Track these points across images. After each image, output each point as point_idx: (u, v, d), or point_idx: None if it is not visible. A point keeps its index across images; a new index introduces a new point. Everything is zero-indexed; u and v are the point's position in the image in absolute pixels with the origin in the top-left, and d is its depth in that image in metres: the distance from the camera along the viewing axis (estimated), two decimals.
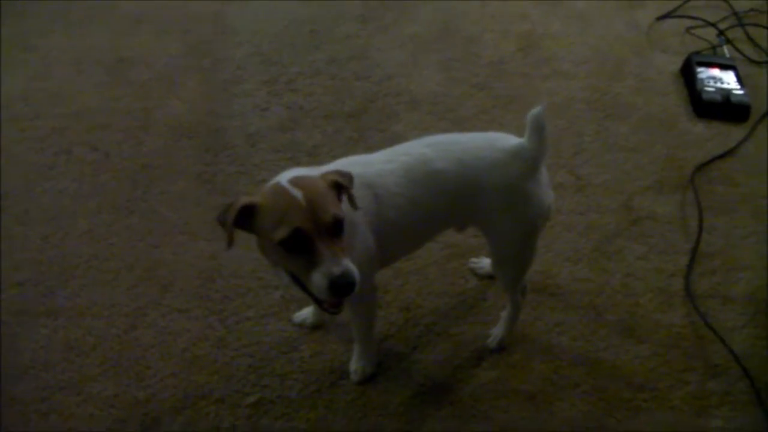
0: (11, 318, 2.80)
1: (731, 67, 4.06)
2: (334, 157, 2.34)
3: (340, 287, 1.87)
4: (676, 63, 4.17)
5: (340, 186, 2.02)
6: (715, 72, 4.00)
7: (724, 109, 3.83)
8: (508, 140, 2.33)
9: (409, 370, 2.67)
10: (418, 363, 2.69)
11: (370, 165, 2.25)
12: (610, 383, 2.66)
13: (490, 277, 2.94)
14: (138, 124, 3.69)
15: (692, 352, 2.76)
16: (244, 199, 1.94)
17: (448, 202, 2.32)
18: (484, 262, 2.95)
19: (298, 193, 1.90)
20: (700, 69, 4.01)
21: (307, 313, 2.78)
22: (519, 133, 2.32)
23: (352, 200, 2.03)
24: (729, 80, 3.95)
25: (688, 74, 4.05)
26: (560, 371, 2.69)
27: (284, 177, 2.03)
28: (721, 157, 3.58)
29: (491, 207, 2.32)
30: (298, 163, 2.17)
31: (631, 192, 3.38)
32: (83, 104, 3.79)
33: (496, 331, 2.74)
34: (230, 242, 1.95)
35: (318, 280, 1.88)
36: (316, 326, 2.78)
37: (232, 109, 3.77)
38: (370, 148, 2.38)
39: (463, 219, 2.45)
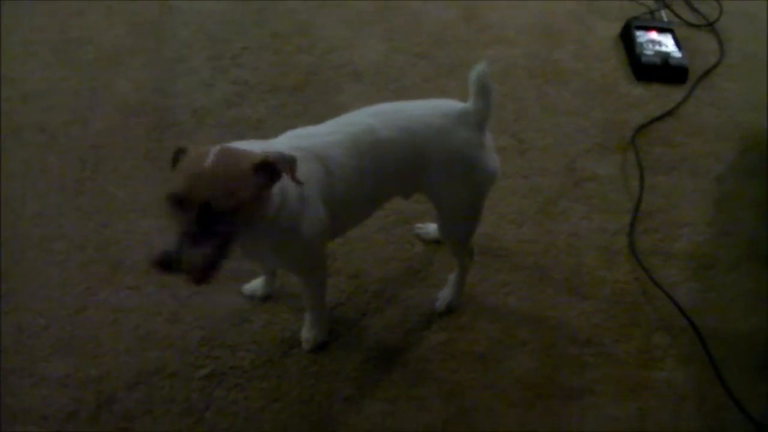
0: None
1: (669, 30, 4.13)
2: (279, 130, 2.33)
3: (157, 260, 1.82)
4: (616, 28, 4.24)
5: (271, 169, 1.95)
6: (654, 36, 4.07)
7: (663, 71, 3.90)
8: (453, 106, 2.35)
9: (360, 336, 2.70)
10: (369, 329, 2.73)
11: (317, 137, 2.25)
12: (558, 340, 2.72)
13: (436, 241, 2.98)
14: (85, 104, 3.67)
15: (636, 308, 2.83)
16: (184, 145, 1.95)
17: (396, 171, 2.33)
18: (430, 228, 2.99)
19: (207, 164, 1.85)
20: (638, 33, 4.07)
21: (257, 284, 2.80)
22: (463, 100, 2.34)
23: (295, 180, 1.97)
24: (667, 43, 4.02)
25: (627, 39, 4.12)
26: (508, 330, 2.74)
27: (241, 144, 2.05)
28: (661, 118, 3.66)
29: (439, 173, 2.34)
30: (243, 137, 2.17)
31: (574, 154, 3.44)
32: (30, 86, 3.75)
33: (444, 294, 2.79)
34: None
35: (159, 241, 1.92)
36: (266, 297, 2.80)
37: (177, 87, 3.77)
38: (315, 120, 2.38)
39: (410, 186, 2.47)
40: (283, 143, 2.23)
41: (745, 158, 3.48)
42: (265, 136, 2.31)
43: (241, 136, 2.22)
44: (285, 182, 2.01)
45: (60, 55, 3.98)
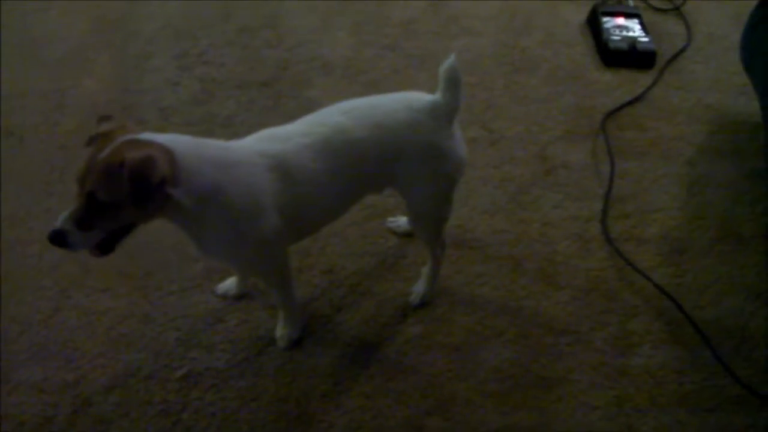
0: None
1: (636, 15, 4.15)
2: (250, 127, 2.33)
3: (50, 236, 1.99)
4: (582, 14, 4.25)
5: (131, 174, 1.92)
6: (621, 21, 4.08)
7: (631, 56, 3.91)
8: (423, 99, 2.35)
9: (335, 331, 2.69)
10: (344, 324, 2.72)
11: (288, 140, 2.24)
12: (533, 329, 2.72)
13: (408, 235, 2.98)
14: (52, 105, 3.64)
15: (611, 295, 2.84)
16: (105, 129, 2.04)
17: (369, 170, 2.34)
18: (402, 221, 2.99)
19: (104, 153, 1.93)
20: (605, 19, 4.09)
21: (230, 284, 2.79)
22: (433, 91, 2.34)
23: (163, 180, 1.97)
24: (634, 28, 4.04)
25: (594, 24, 4.13)
26: (484, 321, 2.74)
27: (199, 143, 2.12)
28: (630, 103, 3.67)
29: (410, 167, 2.35)
30: (212, 135, 2.16)
31: (544, 142, 3.44)
32: None
33: (418, 288, 2.78)
34: None
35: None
36: (240, 296, 2.79)
37: (143, 85, 3.74)
38: (286, 115, 2.38)
39: (381, 183, 2.48)
40: (248, 147, 2.24)
41: (715, 140, 3.50)
42: (236, 133, 2.31)
43: (211, 134, 2.22)
44: (223, 184, 2.08)
45: (24, 54, 3.94)
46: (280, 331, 2.64)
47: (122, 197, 1.91)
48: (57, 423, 2.45)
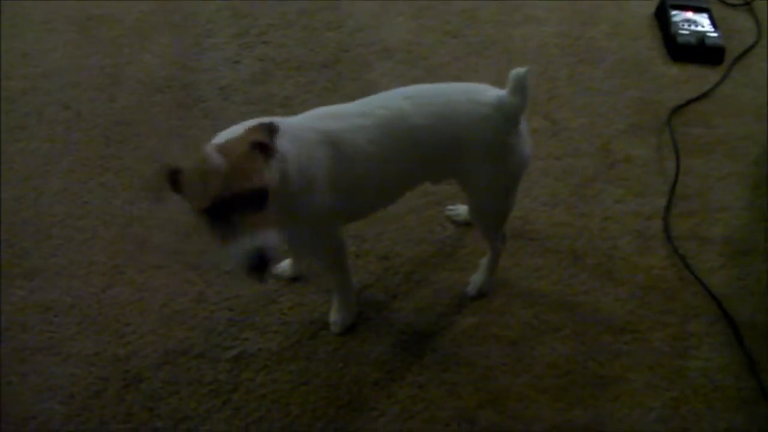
0: None
1: (705, 9, 4.05)
2: (308, 108, 2.30)
3: (254, 263, 1.82)
4: (650, 6, 4.16)
5: (265, 145, 1.92)
6: (690, 15, 3.99)
7: (699, 52, 3.82)
8: (489, 92, 2.30)
9: (390, 318, 2.67)
10: (399, 311, 2.69)
11: (344, 118, 2.21)
12: (591, 326, 2.67)
13: (467, 224, 2.93)
14: (110, 81, 3.64)
15: (671, 294, 2.77)
16: (170, 165, 1.86)
17: (425, 159, 2.31)
18: (461, 210, 2.95)
19: (220, 161, 1.81)
20: (674, 12, 3.99)
21: (285, 265, 2.76)
22: (495, 80, 2.32)
23: (275, 152, 1.95)
24: (703, 23, 3.94)
25: (662, 17, 4.04)
26: (540, 316, 2.69)
27: (227, 133, 2.02)
28: (697, 99, 3.58)
29: (471, 162, 2.31)
30: (271, 115, 2.14)
31: (608, 135, 3.38)
32: (53, 63, 3.74)
33: (476, 279, 2.74)
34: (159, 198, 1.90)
35: (234, 254, 1.83)
36: (294, 278, 2.77)
37: (203, 63, 3.73)
38: (345, 98, 2.35)
39: (440, 174, 2.45)
40: (300, 122, 2.21)
41: None
42: (294, 114, 2.28)
43: (270, 114, 2.18)
44: (285, 163, 2.00)
45: (83, 32, 3.95)
46: (334, 316, 2.61)
47: (265, 177, 1.88)
48: (106, 397, 2.45)
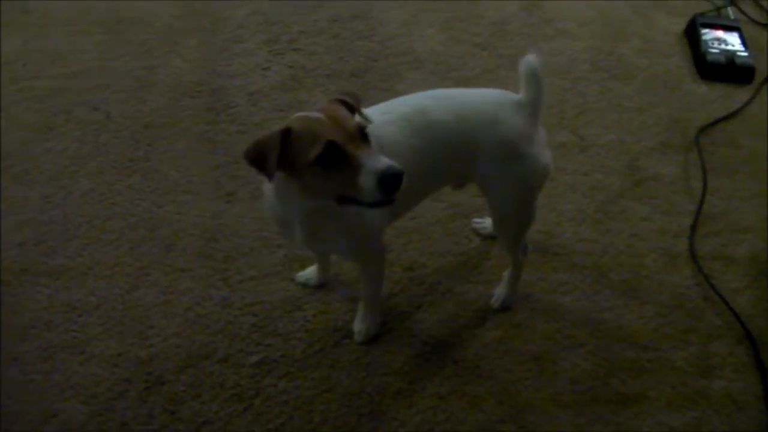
0: (12, 278, 2.78)
1: (736, 28, 4.05)
2: None
3: (389, 179, 1.87)
4: (680, 24, 4.16)
5: (349, 104, 2.05)
6: (720, 33, 3.98)
7: (729, 71, 3.82)
8: (509, 96, 2.35)
9: (413, 329, 2.66)
10: (422, 322, 2.69)
11: (371, 116, 2.22)
12: (614, 343, 2.66)
13: (492, 237, 2.93)
14: (139, 83, 3.66)
15: (695, 314, 2.76)
16: (280, 128, 1.94)
17: (447, 155, 2.32)
18: (487, 222, 2.94)
19: (319, 114, 1.94)
20: (704, 30, 3.99)
21: (310, 272, 2.77)
22: None
23: (363, 116, 2.06)
24: (733, 42, 3.94)
25: (692, 36, 4.04)
26: (564, 331, 2.69)
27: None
28: (725, 119, 3.58)
29: (489, 162, 2.32)
30: None
31: (636, 152, 3.37)
32: (83, 64, 3.76)
33: (500, 291, 2.74)
34: (272, 172, 1.95)
35: (366, 181, 1.88)
36: (319, 286, 2.77)
37: (233, 69, 3.74)
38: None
39: (461, 174, 2.45)
40: None
41: None
42: None
43: None
44: None
45: (112, 34, 3.97)
46: (359, 326, 2.62)
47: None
48: (128, 398, 2.45)
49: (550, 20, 4.15)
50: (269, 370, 2.53)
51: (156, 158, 3.25)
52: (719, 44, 3.90)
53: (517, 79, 2.33)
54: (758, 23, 4.22)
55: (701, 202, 3.14)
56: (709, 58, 3.83)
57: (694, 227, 3.05)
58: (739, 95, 3.73)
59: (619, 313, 2.75)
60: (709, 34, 3.96)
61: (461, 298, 2.77)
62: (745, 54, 3.87)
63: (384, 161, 1.88)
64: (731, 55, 3.84)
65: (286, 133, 1.92)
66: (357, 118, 2.04)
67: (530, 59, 2.25)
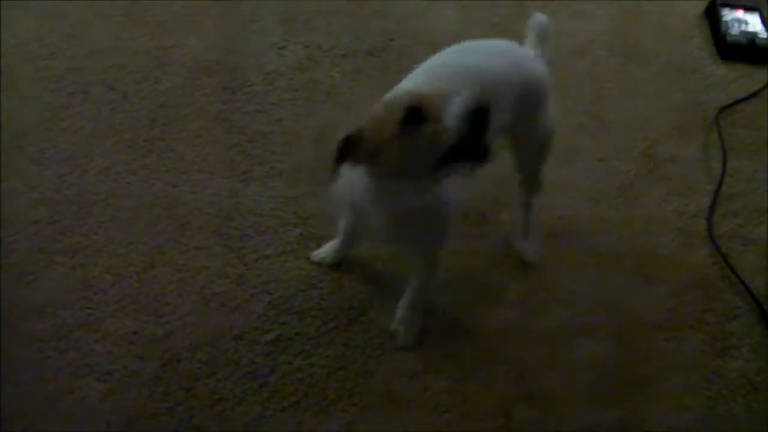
0: (28, 256, 2.78)
1: (756, 9, 4.00)
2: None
3: (474, 113, 1.80)
4: (700, 5, 4.13)
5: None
6: (740, 14, 3.94)
7: (749, 51, 3.79)
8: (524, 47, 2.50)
9: (428, 311, 2.64)
10: (438, 304, 2.68)
11: (412, 80, 2.26)
12: (629, 324, 2.67)
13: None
14: (155, 63, 3.64)
15: (713, 294, 2.76)
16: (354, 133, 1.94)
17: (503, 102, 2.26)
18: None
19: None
20: (724, 11, 3.95)
21: (326, 251, 2.76)
22: None
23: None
24: (754, 23, 3.91)
25: (712, 16, 4.00)
26: (579, 314, 2.68)
27: None
28: (745, 99, 3.56)
29: (521, 106, 2.34)
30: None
31: (653, 135, 3.35)
32: (99, 44, 3.74)
33: (533, 245, 2.78)
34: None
35: (455, 117, 1.81)
36: (334, 265, 2.76)
37: (249, 48, 3.72)
38: (392, 87, 2.35)
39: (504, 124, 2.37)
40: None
41: None
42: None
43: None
44: None
45: (128, 14, 3.94)
46: (403, 326, 2.55)
47: None
48: (144, 376, 2.45)
49: (568, 3, 4.11)
50: (284, 348, 2.53)
51: (171, 137, 3.24)
52: (740, 25, 3.88)
53: None
54: None
55: (720, 182, 3.13)
56: (729, 38, 3.81)
57: (712, 208, 3.04)
58: (760, 76, 3.71)
59: (635, 294, 2.75)
60: (729, 15, 3.93)
61: (476, 282, 2.77)
62: (766, 35, 3.85)
63: (463, 96, 1.82)
64: (752, 36, 3.82)
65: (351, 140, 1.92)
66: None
67: (541, 18, 2.33)
